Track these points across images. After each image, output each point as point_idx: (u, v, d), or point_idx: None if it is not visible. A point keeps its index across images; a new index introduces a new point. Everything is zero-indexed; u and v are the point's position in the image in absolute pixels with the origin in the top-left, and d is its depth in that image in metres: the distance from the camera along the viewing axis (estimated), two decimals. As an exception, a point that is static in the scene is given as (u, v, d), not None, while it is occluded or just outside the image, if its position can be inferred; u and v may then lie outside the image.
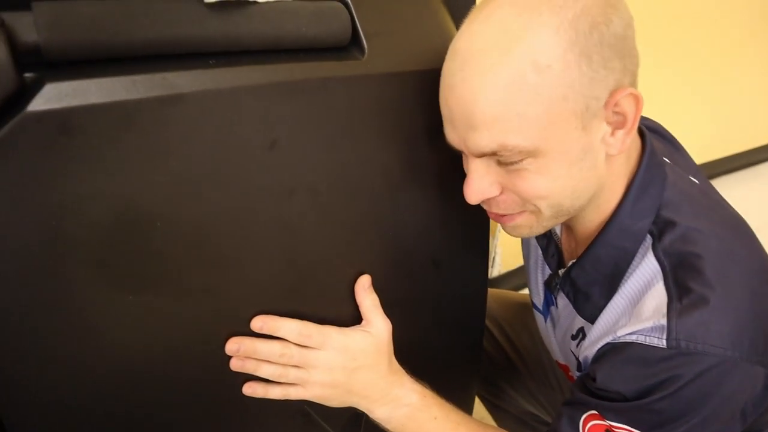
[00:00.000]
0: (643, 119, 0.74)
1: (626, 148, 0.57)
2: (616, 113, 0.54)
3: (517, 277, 1.80)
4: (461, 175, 0.59)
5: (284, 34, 0.51)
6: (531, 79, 0.49)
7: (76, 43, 0.43)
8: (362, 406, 0.65)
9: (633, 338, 0.56)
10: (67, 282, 0.46)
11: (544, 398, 1.01)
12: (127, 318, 0.49)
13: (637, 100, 0.54)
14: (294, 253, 0.56)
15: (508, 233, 0.64)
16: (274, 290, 0.57)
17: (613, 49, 0.51)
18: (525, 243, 0.84)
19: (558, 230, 0.74)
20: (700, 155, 2.55)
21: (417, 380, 0.67)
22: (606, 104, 0.53)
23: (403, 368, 0.67)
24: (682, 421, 0.55)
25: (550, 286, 0.75)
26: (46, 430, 0.50)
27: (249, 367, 0.59)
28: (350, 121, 0.55)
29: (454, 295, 0.73)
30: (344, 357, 0.61)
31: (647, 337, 0.55)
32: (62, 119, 0.42)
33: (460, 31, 0.54)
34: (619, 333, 0.58)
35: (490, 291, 1.10)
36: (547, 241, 0.75)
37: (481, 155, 0.54)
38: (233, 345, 0.57)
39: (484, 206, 0.61)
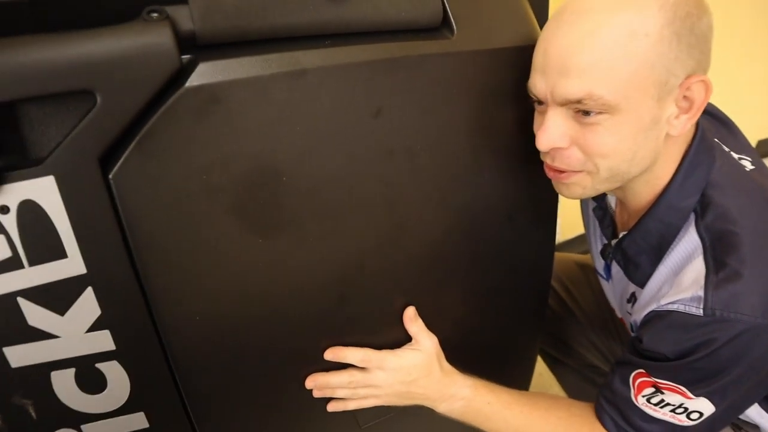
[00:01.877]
0: None
1: (686, 133, 0.63)
2: (686, 98, 0.60)
3: (575, 246, 1.85)
4: (533, 139, 0.66)
5: (386, 18, 0.59)
6: (629, 42, 0.56)
7: (223, 30, 0.52)
8: (426, 404, 0.75)
9: (674, 307, 0.62)
10: (213, 226, 0.56)
11: (605, 348, 1.08)
12: (258, 257, 0.59)
13: (707, 88, 0.59)
14: (393, 206, 0.64)
15: (561, 192, 0.69)
16: (375, 236, 0.66)
17: (698, 40, 0.57)
18: (585, 214, 0.90)
19: (613, 204, 0.79)
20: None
21: (468, 375, 0.76)
22: (681, 84, 0.58)
23: (475, 326, 0.78)
24: (718, 377, 0.62)
25: (605, 255, 0.81)
26: (199, 344, 0.62)
27: (328, 393, 0.72)
28: (441, 92, 0.62)
29: (525, 249, 0.80)
30: (400, 374, 0.72)
31: (687, 306, 0.61)
32: (213, 92, 0.51)
33: None
34: (663, 301, 0.64)
35: (555, 254, 1.17)
36: (603, 213, 0.81)
37: (565, 102, 0.59)
38: (311, 383, 0.71)
39: (547, 159, 0.66)
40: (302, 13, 0.55)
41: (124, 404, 0.59)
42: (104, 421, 0.59)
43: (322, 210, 0.60)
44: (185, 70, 0.51)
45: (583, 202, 0.90)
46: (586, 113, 0.59)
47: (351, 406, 0.74)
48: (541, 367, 1.29)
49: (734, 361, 0.60)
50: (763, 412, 0.76)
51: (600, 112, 0.59)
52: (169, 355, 0.60)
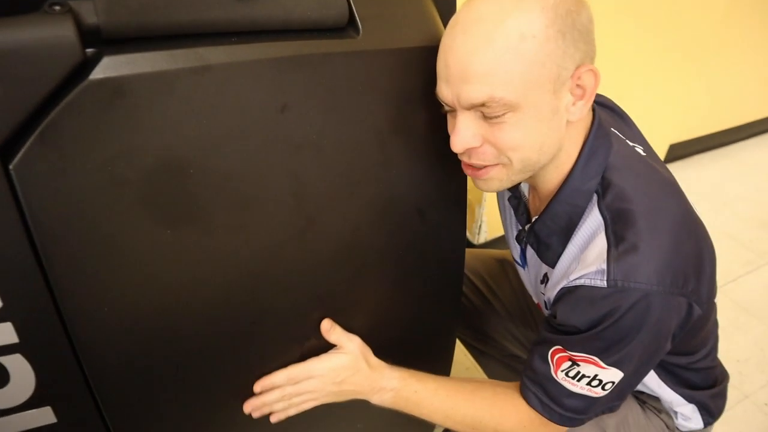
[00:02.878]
0: (599, 96, 0.87)
1: (583, 116, 0.69)
2: (578, 86, 0.65)
3: (502, 243, 1.91)
4: (442, 136, 0.70)
5: (292, 17, 0.61)
6: (519, 45, 0.60)
7: (128, 24, 0.53)
8: (360, 397, 0.80)
9: (581, 281, 0.68)
10: (119, 217, 0.57)
11: (524, 338, 1.14)
12: (165, 249, 0.61)
13: (596, 75, 0.65)
14: (301, 198, 0.67)
15: (480, 187, 0.74)
16: (285, 227, 0.68)
17: (581, 34, 0.63)
18: (501, 206, 0.96)
19: (526, 192, 0.85)
20: (677, 134, 2.66)
21: (395, 367, 0.82)
22: (572, 75, 0.64)
23: (391, 319, 0.84)
24: (624, 343, 0.67)
25: (519, 240, 0.87)
26: (108, 337, 0.62)
27: (266, 410, 0.78)
28: (347, 89, 0.65)
29: (437, 243, 0.84)
30: (329, 377, 0.78)
31: (592, 280, 0.67)
32: (117, 85, 0.52)
33: (462, 6, 0.65)
34: (571, 277, 0.70)
35: (475, 251, 1.23)
36: (518, 201, 0.87)
37: (471, 107, 0.64)
38: (248, 408, 0.78)
39: (464, 158, 0.71)
40: (209, 10, 0.57)
41: (29, 399, 0.59)
42: (8, 417, 0.59)
43: (231, 203, 0.62)
44: (89, 63, 0.52)
45: (499, 194, 0.96)
46: (492, 114, 0.64)
47: (292, 412, 0.79)
48: (468, 361, 1.35)
49: (636, 327, 0.66)
50: (661, 382, 0.84)
51: (504, 112, 0.64)
52: (77, 348, 0.60)
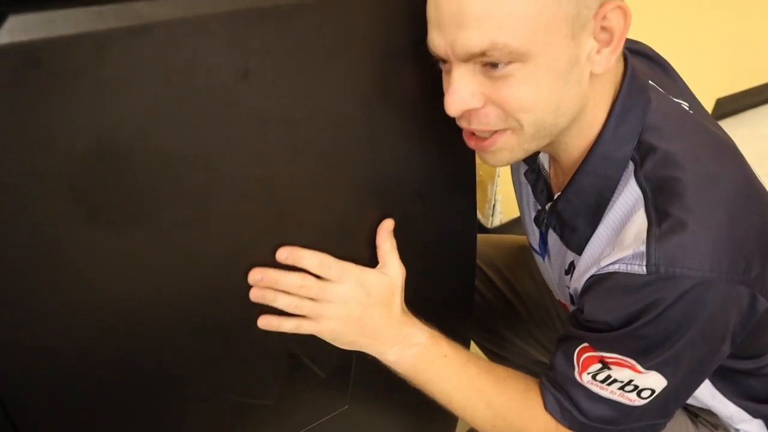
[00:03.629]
0: (633, 42, 0.77)
1: (611, 67, 0.60)
2: (604, 29, 0.57)
3: (520, 227, 1.83)
4: (442, 102, 0.61)
5: None
6: None
7: None
8: (372, 348, 0.69)
9: (615, 267, 0.59)
10: (44, 217, 0.49)
11: (549, 342, 1.06)
12: (107, 253, 0.52)
13: (626, 14, 0.56)
14: (270, 187, 0.59)
15: (488, 162, 0.66)
16: (253, 224, 0.60)
17: None
18: (516, 182, 0.87)
19: (546, 165, 0.76)
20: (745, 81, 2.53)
21: (427, 323, 0.71)
22: (596, 15, 0.55)
23: None
24: (668, 344, 0.59)
25: (539, 223, 0.78)
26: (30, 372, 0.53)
27: (269, 298, 0.64)
28: (324, 49, 0.56)
29: (442, 232, 0.76)
30: (360, 292, 0.66)
31: (628, 266, 0.58)
32: (29, 52, 0.44)
33: None
34: (603, 263, 0.61)
35: (488, 237, 1.14)
36: (536, 176, 0.78)
37: (469, 58, 0.56)
38: (257, 275, 0.62)
39: (464, 124, 0.63)
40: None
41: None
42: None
43: (183, 194, 0.54)
44: None
45: (513, 168, 0.87)
46: (494, 66, 0.56)
47: (288, 326, 0.66)
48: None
49: (684, 323, 0.58)
50: (716, 392, 0.75)
51: (509, 62, 0.55)
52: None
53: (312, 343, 0.67)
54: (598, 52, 0.58)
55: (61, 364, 0.55)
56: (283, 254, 0.62)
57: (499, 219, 1.76)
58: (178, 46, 0.49)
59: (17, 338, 0.51)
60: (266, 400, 0.71)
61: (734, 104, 2.70)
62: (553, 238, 0.75)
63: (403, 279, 0.70)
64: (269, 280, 0.62)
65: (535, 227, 0.81)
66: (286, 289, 0.63)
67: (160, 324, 0.59)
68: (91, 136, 0.48)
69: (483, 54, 0.55)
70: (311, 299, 0.65)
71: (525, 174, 0.81)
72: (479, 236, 1.17)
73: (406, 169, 0.68)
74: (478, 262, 1.05)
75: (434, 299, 0.81)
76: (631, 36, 0.62)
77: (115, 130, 0.49)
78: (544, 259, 0.83)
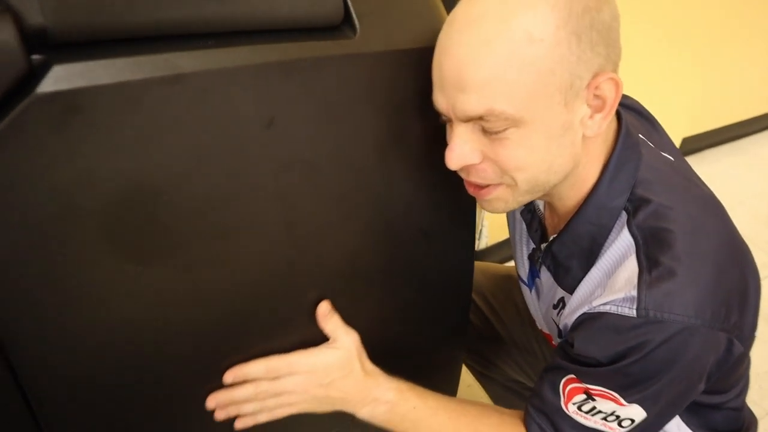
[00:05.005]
0: (624, 97, 0.79)
1: (603, 131, 0.62)
2: (597, 96, 0.59)
3: (504, 250, 1.86)
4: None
5: (278, 15, 0.54)
6: (524, 50, 0.54)
7: (81, 25, 0.46)
8: (347, 409, 0.70)
9: (607, 308, 0.61)
10: (79, 254, 0.50)
11: (529, 367, 1.08)
12: (136, 288, 0.53)
13: (617, 85, 0.58)
14: (291, 227, 0.60)
15: (484, 208, 0.68)
16: (273, 260, 0.61)
17: (601, 35, 0.56)
18: (510, 217, 0.89)
19: (542, 206, 0.78)
20: (689, 128, 2.64)
21: (393, 377, 0.72)
22: (588, 85, 0.57)
23: (393, 341, 0.73)
24: (651, 382, 0.61)
25: (533, 260, 0.80)
26: (63, 395, 0.55)
27: (232, 412, 0.66)
28: (343, 98, 0.58)
29: (443, 265, 0.77)
30: (317, 376, 0.67)
31: (619, 307, 0.60)
32: (70, 100, 0.45)
33: (461, 1, 0.58)
34: (595, 303, 0.63)
35: (479, 265, 1.16)
36: (531, 216, 0.80)
37: (468, 119, 0.58)
38: (211, 402, 0.65)
39: (463, 175, 0.64)
40: (179, 7, 0.50)
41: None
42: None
43: (210, 232, 0.55)
44: (35, 74, 0.44)
45: None
46: (492, 129, 0.58)
47: (262, 419, 0.68)
48: (470, 378, 1.28)
49: (668, 364, 0.60)
50: (682, 423, 0.77)
51: (506, 128, 0.57)
52: (29, 396, 0.52)
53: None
54: (591, 117, 0.59)
55: (93, 385, 0.56)
56: (230, 378, 0.64)
57: (485, 242, 1.78)
58: (208, 95, 0.50)
59: (55, 362, 0.52)
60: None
61: (697, 143, 2.79)
62: (546, 275, 0.77)
63: (357, 343, 0.70)
64: (225, 400, 0.65)
65: (526, 261, 0.83)
66: (245, 401, 0.65)
67: (181, 348, 0.59)
68: (125, 178, 0.49)
69: (481, 118, 0.57)
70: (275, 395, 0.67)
71: (521, 213, 0.82)
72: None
73: (413, 208, 0.69)
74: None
75: (434, 327, 0.83)
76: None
77: (148, 173, 0.50)
78: (531, 291, 0.85)
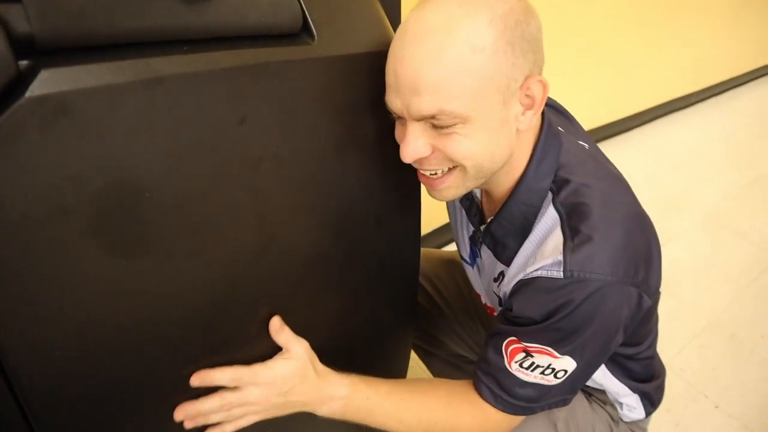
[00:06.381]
0: None
1: (533, 125, 0.70)
2: (527, 96, 0.66)
3: (435, 239, 1.95)
4: (396, 144, 0.69)
5: (245, 23, 0.57)
6: (468, 58, 0.60)
7: (66, 32, 0.48)
8: (307, 410, 0.75)
9: (538, 273, 0.69)
10: (69, 249, 0.51)
11: (470, 339, 1.15)
12: (123, 281, 0.55)
13: (544, 86, 0.66)
14: (262, 216, 0.63)
15: (435, 197, 0.74)
16: (247, 248, 0.64)
17: (530, 44, 0.64)
18: (451, 206, 0.96)
19: (479, 194, 0.86)
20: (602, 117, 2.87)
21: (344, 373, 0.76)
22: (521, 86, 0.65)
23: (349, 323, 0.78)
24: (578, 333, 0.69)
25: (474, 241, 0.87)
26: (51, 387, 0.56)
27: (201, 422, 0.69)
28: (305, 97, 0.62)
29: (395, 249, 0.83)
30: (276, 386, 0.71)
31: (549, 271, 0.68)
32: (58, 102, 0.47)
33: (410, 14, 0.64)
34: (528, 270, 0.71)
35: (422, 251, 1.22)
36: (470, 203, 0.88)
37: (421, 118, 0.64)
38: (179, 414, 0.67)
39: (416, 165, 0.71)
40: (156, 16, 0.53)
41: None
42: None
43: (191, 225, 0.58)
44: (24, 78, 0.46)
45: None
46: (442, 125, 0.64)
47: (229, 429, 0.71)
48: (413, 360, 1.34)
49: (590, 317, 0.68)
50: (607, 372, 0.87)
51: (454, 123, 0.64)
52: (20, 396, 0.53)
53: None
54: (523, 114, 0.67)
55: (79, 372, 0.57)
56: (196, 381, 0.67)
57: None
58: (186, 96, 0.53)
59: (44, 350, 0.53)
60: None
61: (592, 137, 3.05)
62: (486, 253, 0.85)
63: (308, 350, 0.74)
64: (193, 412, 0.68)
65: (467, 243, 0.90)
66: (211, 412, 0.69)
67: (165, 336, 0.62)
68: (109, 176, 0.51)
69: (433, 117, 0.63)
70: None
71: (461, 201, 0.90)
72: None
73: (367, 196, 0.74)
74: (411, 272, 1.15)
75: (386, 304, 0.88)
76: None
77: (131, 171, 0.52)
78: (473, 269, 0.92)
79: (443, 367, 1.23)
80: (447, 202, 0.97)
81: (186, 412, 0.68)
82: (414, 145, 0.66)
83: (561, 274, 0.67)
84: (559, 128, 0.78)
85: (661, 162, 3.05)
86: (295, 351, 0.73)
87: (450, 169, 0.70)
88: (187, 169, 0.56)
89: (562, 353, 0.71)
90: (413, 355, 1.08)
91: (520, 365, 0.74)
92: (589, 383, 0.91)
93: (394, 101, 0.65)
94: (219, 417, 0.70)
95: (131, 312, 0.58)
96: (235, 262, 0.64)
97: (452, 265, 1.17)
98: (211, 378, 0.67)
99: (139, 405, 0.64)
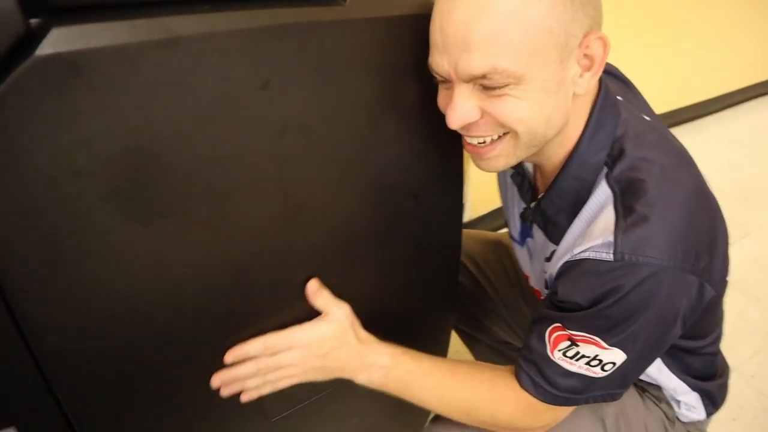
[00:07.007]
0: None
1: (590, 90, 0.63)
2: (586, 56, 0.60)
3: (488, 222, 1.88)
4: (436, 112, 0.64)
5: None
6: (524, 10, 0.55)
7: None
8: (345, 376, 0.72)
9: (586, 254, 0.63)
10: (84, 213, 0.50)
11: (517, 326, 1.09)
12: (141, 247, 0.54)
13: (605, 44, 0.59)
14: (286, 186, 0.60)
15: (483, 168, 0.68)
16: (269, 219, 0.61)
17: None
18: (502, 183, 0.90)
19: (531, 169, 0.79)
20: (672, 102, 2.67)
21: (386, 343, 0.73)
22: (580, 44, 0.58)
23: (386, 303, 0.74)
24: (629, 323, 0.62)
25: (524, 218, 0.81)
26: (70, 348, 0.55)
27: (236, 388, 0.67)
28: (335, 62, 0.58)
29: (433, 228, 0.78)
30: (312, 348, 0.68)
31: (597, 253, 0.62)
32: (69, 62, 0.45)
33: None
34: (576, 251, 0.65)
35: (467, 231, 1.17)
36: (522, 178, 0.81)
37: (471, 79, 0.59)
38: (216, 381, 0.66)
39: (464, 132, 0.65)
40: (175, -28, 0.49)
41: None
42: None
43: (209, 192, 0.55)
44: (35, 36, 0.44)
45: (500, 172, 0.90)
46: (493, 85, 0.58)
47: (266, 391, 0.70)
48: (458, 344, 1.30)
49: (642, 305, 0.61)
50: (663, 366, 0.79)
51: (506, 83, 0.58)
52: (40, 360, 0.53)
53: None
54: (581, 75, 0.61)
55: (96, 335, 0.56)
56: (230, 358, 0.66)
57: (468, 215, 1.78)
58: (204, 57, 0.50)
59: (59, 314, 0.53)
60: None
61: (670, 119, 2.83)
62: (537, 232, 0.78)
63: (349, 314, 0.71)
64: (229, 378, 0.66)
65: (518, 221, 0.84)
66: (246, 378, 0.67)
67: (180, 306, 0.60)
68: (124, 139, 0.49)
69: (484, 76, 0.57)
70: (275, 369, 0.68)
71: (511, 177, 0.84)
72: (459, 230, 1.22)
73: (403, 170, 0.70)
74: (459, 254, 1.10)
75: (425, 290, 0.83)
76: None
77: (146, 134, 0.50)
78: (522, 248, 0.86)
79: (488, 353, 1.18)
80: (498, 179, 0.91)
81: (222, 379, 0.67)
82: (462, 109, 0.61)
83: (611, 257, 0.60)
84: (618, 97, 0.71)
85: (743, 149, 2.81)
86: (335, 314, 0.70)
87: (500, 136, 0.64)
88: (204, 133, 0.53)
89: (611, 344, 0.64)
90: (453, 341, 1.03)
91: (564, 354, 0.68)
92: (642, 377, 0.83)
93: (440, 62, 0.60)
94: (255, 382, 0.68)
95: (153, 279, 0.56)
96: (260, 231, 0.61)
97: (499, 246, 1.11)
98: (244, 351, 0.66)
99: (172, 381, 0.63)
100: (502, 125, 0.62)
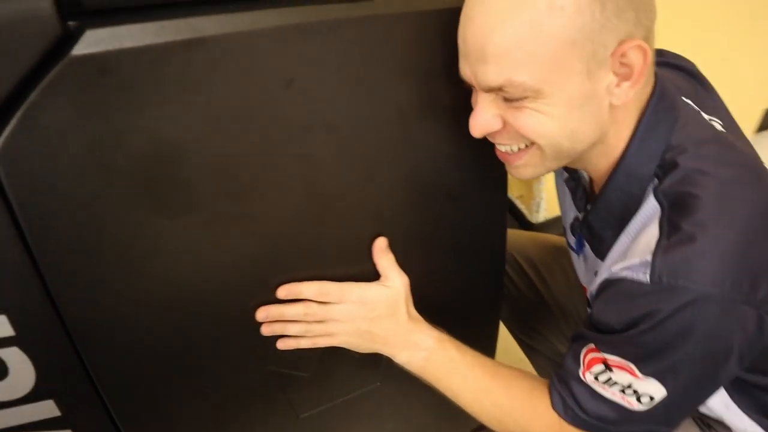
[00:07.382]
0: (675, 57, 0.73)
1: (630, 99, 0.58)
2: (623, 64, 0.55)
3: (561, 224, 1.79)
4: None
5: None
6: (543, 19, 0.51)
7: None
8: (385, 351, 0.70)
9: (624, 274, 0.58)
10: (111, 206, 0.52)
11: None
12: (164, 239, 0.56)
13: (645, 52, 0.54)
14: (312, 186, 0.60)
15: (513, 174, 0.66)
16: (293, 219, 0.61)
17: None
18: (559, 186, 0.85)
19: (586, 175, 0.74)
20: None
21: (436, 327, 0.71)
22: (614, 53, 0.54)
23: (425, 304, 0.72)
24: (665, 354, 0.57)
25: (573, 230, 0.77)
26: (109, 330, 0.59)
27: (278, 329, 0.66)
28: (363, 60, 0.57)
29: (473, 229, 0.75)
30: (363, 308, 0.67)
31: (635, 273, 0.56)
32: (102, 62, 0.47)
33: None
34: (615, 268, 0.60)
35: (529, 233, 1.12)
36: (576, 184, 0.76)
37: (489, 89, 0.56)
38: (261, 313, 0.65)
39: (491, 139, 0.63)
40: (202, -26, 0.51)
41: (30, 392, 0.57)
42: (10, 409, 0.56)
43: (234, 190, 0.57)
44: (70, 38, 0.47)
45: (557, 174, 0.85)
46: (511, 97, 0.56)
47: (304, 344, 0.69)
48: (506, 344, 1.24)
49: (681, 336, 0.55)
50: (731, 403, 0.70)
51: (525, 97, 0.55)
52: (76, 340, 0.56)
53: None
54: (618, 85, 0.56)
55: (129, 326, 0.59)
56: (283, 292, 0.64)
57: (543, 215, 1.71)
58: (229, 57, 0.51)
59: (91, 307, 0.56)
60: (303, 372, 0.74)
61: None
62: (587, 245, 0.74)
63: (407, 287, 0.69)
64: (275, 314, 0.65)
65: (571, 232, 0.79)
66: (293, 319, 0.66)
67: (209, 298, 0.62)
68: (152, 136, 0.51)
69: (500, 89, 0.55)
70: (320, 321, 0.67)
71: (566, 181, 0.79)
72: (521, 232, 1.16)
73: (437, 170, 0.68)
74: (517, 255, 1.05)
75: (467, 291, 0.81)
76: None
77: (173, 132, 0.51)
78: (578, 256, 0.81)
79: (548, 365, 1.12)
80: (556, 182, 0.87)
81: (267, 313, 0.65)
82: (482, 118, 0.59)
83: (647, 278, 0.55)
84: (684, 98, 0.64)
85: None
86: (393, 281, 0.68)
87: (527, 146, 0.61)
88: (229, 131, 0.54)
89: (646, 373, 0.59)
90: (502, 341, 0.98)
91: (596, 378, 0.63)
92: (707, 412, 0.74)
93: (463, 69, 0.58)
94: (298, 328, 0.67)
95: (178, 271, 0.59)
96: (284, 231, 0.61)
97: (561, 251, 1.04)
98: (298, 290, 0.65)
99: (205, 375, 0.66)
100: (524, 137, 0.59)
